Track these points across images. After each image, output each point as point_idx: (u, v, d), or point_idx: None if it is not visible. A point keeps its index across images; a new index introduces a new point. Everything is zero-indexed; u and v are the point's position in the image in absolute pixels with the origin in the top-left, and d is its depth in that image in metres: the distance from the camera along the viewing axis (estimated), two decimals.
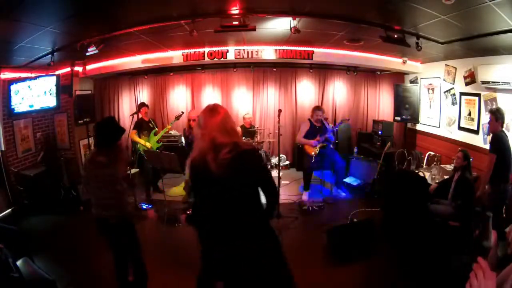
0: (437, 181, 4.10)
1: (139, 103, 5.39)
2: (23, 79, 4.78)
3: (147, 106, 5.25)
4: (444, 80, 5.23)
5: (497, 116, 3.38)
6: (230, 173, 1.55)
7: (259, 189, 1.68)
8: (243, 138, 5.82)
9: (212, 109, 1.68)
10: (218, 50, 5.44)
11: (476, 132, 4.53)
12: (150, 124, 5.11)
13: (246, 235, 1.60)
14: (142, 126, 5.00)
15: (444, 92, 5.26)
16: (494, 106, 4.00)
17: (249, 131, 6.01)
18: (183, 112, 5.55)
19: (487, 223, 3.08)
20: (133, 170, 5.21)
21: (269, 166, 6.19)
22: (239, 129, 6.06)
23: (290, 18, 3.51)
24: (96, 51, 3.75)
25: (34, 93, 4.80)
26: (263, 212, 1.69)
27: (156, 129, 5.15)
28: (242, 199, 1.61)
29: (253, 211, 1.64)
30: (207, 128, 1.60)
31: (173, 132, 6.49)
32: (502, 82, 3.86)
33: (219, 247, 1.63)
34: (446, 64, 5.10)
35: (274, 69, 6.57)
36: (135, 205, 4.62)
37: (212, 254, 1.68)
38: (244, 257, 1.59)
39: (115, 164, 2.27)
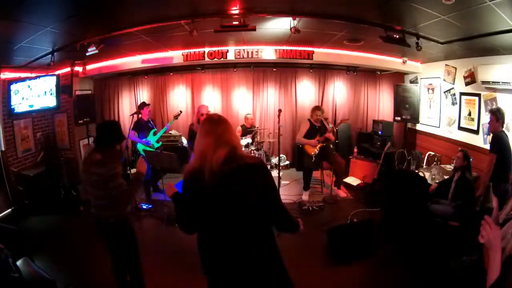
0: (437, 181, 4.10)
1: (140, 102, 5.36)
2: (23, 79, 4.78)
3: (148, 105, 5.24)
4: (444, 80, 5.23)
5: (497, 116, 3.38)
6: (225, 186, 1.43)
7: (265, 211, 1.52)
8: (243, 137, 5.82)
9: (214, 120, 1.60)
10: (218, 50, 5.44)
11: (476, 132, 4.53)
12: (149, 124, 5.10)
13: (244, 260, 1.46)
14: (141, 126, 4.99)
15: (444, 92, 5.26)
16: (494, 106, 4.00)
17: (250, 130, 6.02)
18: (181, 112, 5.54)
19: (489, 191, 3.29)
20: (133, 170, 5.20)
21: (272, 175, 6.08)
22: (239, 128, 6.07)
23: (290, 18, 3.50)
24: (96, 51, 3.75)
25: (34, 93, 4.80)
26: (268, 235, 1.54)
27: (155, 129, 5.15)
28: (241, 217, 1.46)
29: (253, 231, 1.48)
30: (208, 137, 1.52)
31: (173, 132, 6.49)
32: (502, 82, 3.86)
33: (211, 269, 1.53)
34: (446, 64, 5.10)
35: (274, 69, 6.57)
36: (135, 204, 4.63)
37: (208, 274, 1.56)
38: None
39: (111, 162, 2.23)
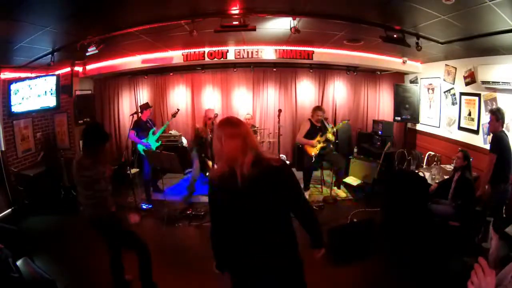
0: (437, 181, 4.10)
1: (144, 103, 5.34)
2: (23, 79, 4.78)
3: (150, 107, 5.23)
4: (444, 80, 5.22)
5: (497, 116, 3.38)
6: (256, 190, 1.48)
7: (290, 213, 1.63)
8: None
9: (235, 122, 1.60)
10: (218, 50, 5.44)
11: (476, 132, 4.53)
12: (148, 124, 5.10)
13: (268, 262, 1.53)
14: (140, 126, 4.99)
15: (444, 92, 5.26)
16: (494, 106, 4.00)
17: None
18: (178, 110, 5.52)
19: (489, 227, 3.11)
20: (133, 170, 5.22)
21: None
22: None
23: (290, 18, 3.50)
24: (96, 51, 3.75)
25: (34, 93, 4.80)
26: (293, 238, 1.63)
27: (154, 128, 5.14)
28: (268, 220, 1.53)
29: (279, 233, 1.57)
30: (235, 140, 1.50)
31: (173, 132, 6.49)
32: (502, 82, 3.86)
33: (239, 270, 1.60)
34: (446, 64, 5.10)
35: (274, 69, 6.56)
36: (134, 204, 4.63)
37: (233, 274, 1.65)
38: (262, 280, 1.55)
39: (95, 166, 2.40)
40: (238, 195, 1.49)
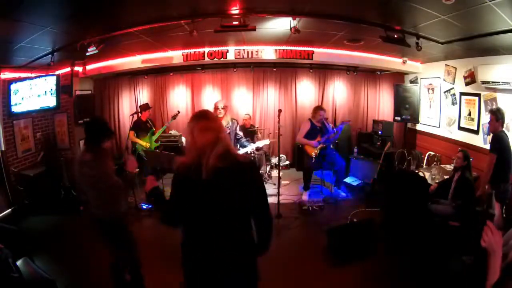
0: (437, 181, 4.10)
1: (144, 103, 5.34)
2: (23, 79, 4.78)
3: (150, 108, 5.23)
4: (444, 80, 5.22)
5: (497, 116, 3.38)
6: (219, 182, 1.47)
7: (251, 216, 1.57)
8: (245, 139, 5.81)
9: (210, 116, 1.64)
10: (218, 50, 5.44)
11: (476, 132, 4.53)
12: (147, 124, 5.10)
13: (226, 258, 1.52)
14: (140, 127, 4.99)
15: (444, 92, 5.26)
16: (494, 106, 4.00)
17: (249, 131, 6.00)
18: (179, 112, 5.53)
19: (491, 197, 3.22)
20: None
21: (267, 173, 6.07)
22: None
23: (290, 18, 3.50)
24: (96, 51, 3.75)
25: (34, 93, 4.79)
26: (252, 241, 1.58)
27: (154, 129, 5.14)
28: (227, 213, 1.51)
29: (238, 231, 1.54)
30: (208, 133, 1.53)
31: (172, 132, 6.49)
32: (502, 82, 3.86)
33: (196, 262, 1.56)
34: (446, 64, 5.10)
35: (274, 69, 6.57)
36: (134, 204, 4.63)
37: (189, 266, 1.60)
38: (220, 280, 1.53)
39: (101, 162, 2.26)
40: (202, 186, 1.48)
